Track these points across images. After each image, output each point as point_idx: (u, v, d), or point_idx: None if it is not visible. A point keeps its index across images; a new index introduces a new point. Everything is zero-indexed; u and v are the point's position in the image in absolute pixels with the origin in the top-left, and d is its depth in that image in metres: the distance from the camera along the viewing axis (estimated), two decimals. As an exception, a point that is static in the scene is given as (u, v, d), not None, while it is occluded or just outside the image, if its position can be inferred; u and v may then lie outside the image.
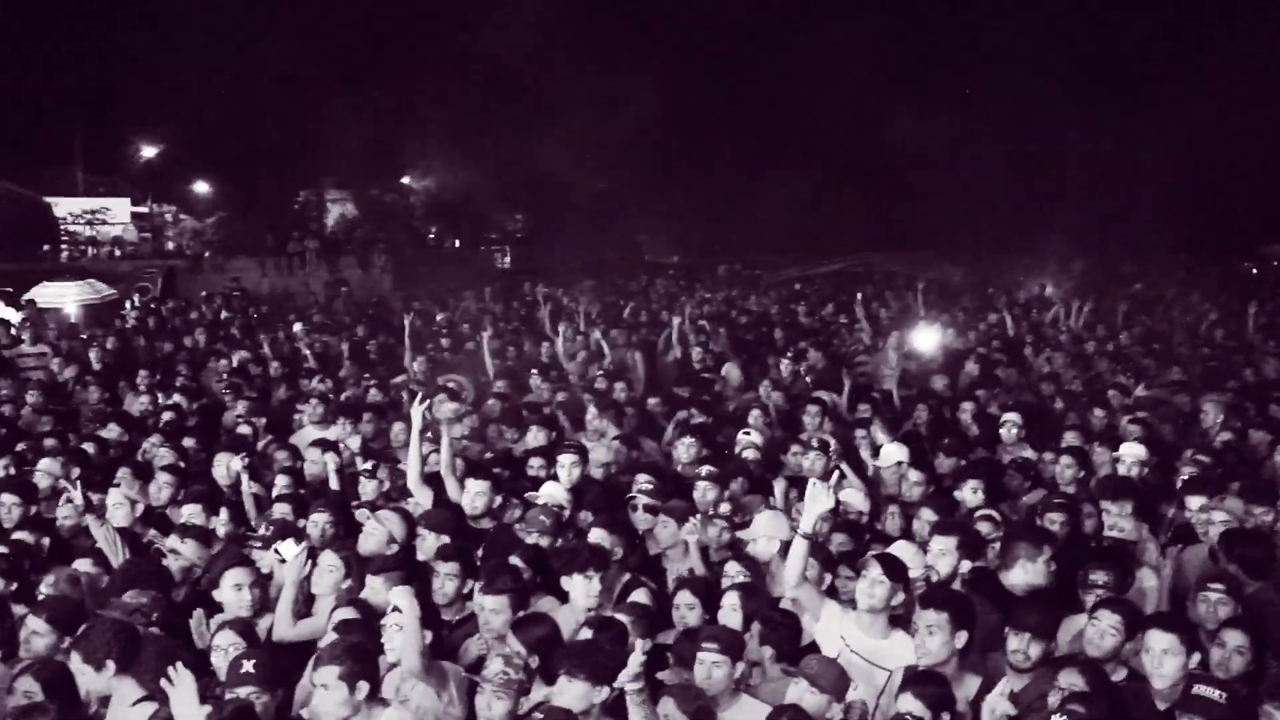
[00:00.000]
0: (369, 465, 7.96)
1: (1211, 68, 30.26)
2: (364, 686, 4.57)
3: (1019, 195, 30.26)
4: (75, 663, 4.82)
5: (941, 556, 5.89)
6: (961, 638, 5.08)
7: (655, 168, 32.72)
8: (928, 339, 13.86)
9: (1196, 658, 4.88)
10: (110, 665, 4.77)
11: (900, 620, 5.49)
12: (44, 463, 8.23)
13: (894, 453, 8.33)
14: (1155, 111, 28.75)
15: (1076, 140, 31.36)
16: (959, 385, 11.99)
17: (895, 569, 5.53)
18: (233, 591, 5.77)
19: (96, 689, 4.83)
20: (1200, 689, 4.44)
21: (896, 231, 31.57)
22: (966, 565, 5.92)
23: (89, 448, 8.89)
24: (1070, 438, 9.03)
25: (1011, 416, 9.42)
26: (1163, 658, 4.84)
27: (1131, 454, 8.11)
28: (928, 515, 6.91)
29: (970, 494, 7.43)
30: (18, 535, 6.83)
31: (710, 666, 4.89)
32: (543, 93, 33.45)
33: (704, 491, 7.34)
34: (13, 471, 8.31)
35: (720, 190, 31.93)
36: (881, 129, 32.55)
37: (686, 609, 5.67)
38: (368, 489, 7.66)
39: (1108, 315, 17.42)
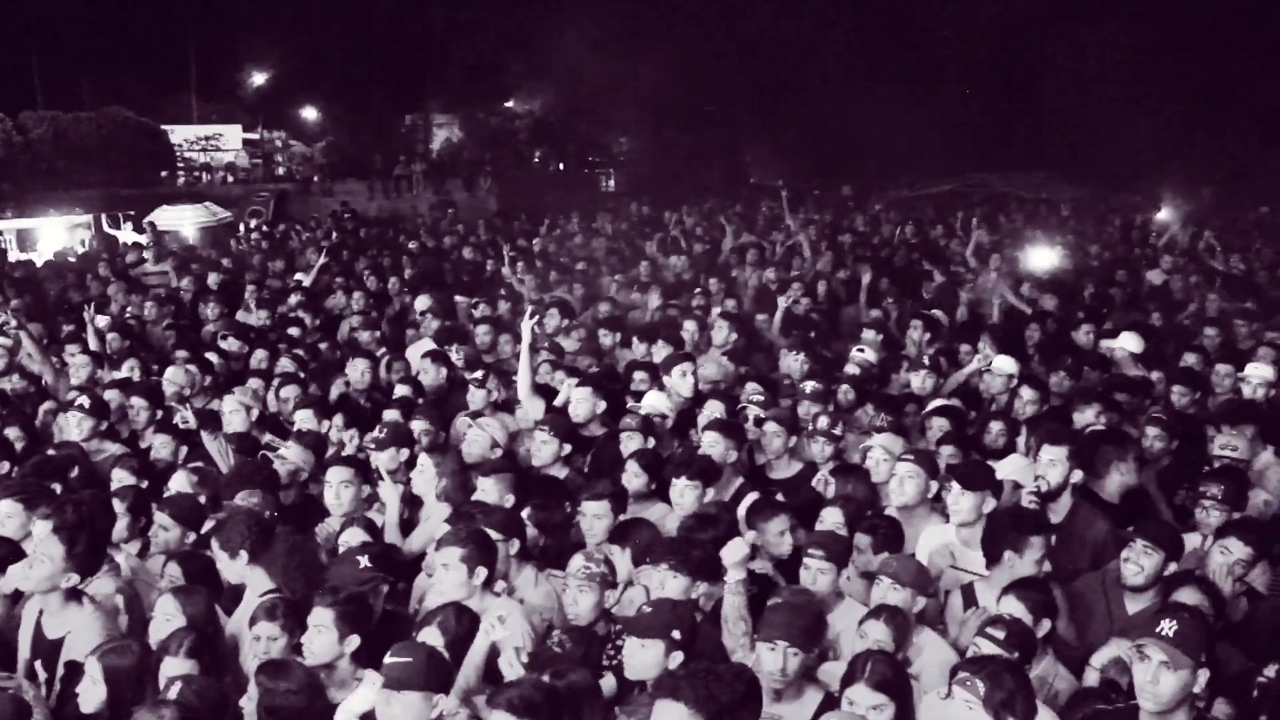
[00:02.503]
0: (478, 375, 8.09)
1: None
2: (482, 572, 4.73)
3: (1145, 119, 29.03)
4: (215, 549, 5.04)
5: (1052, 466, 5.79)
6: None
7: (762, 89, 32.15)
8: (1041, 258, 13.53)
9: None
10: (244, 555, 4.97)
11: None
12: (170, 371, 8.52)
13: (1005, 365, 8.18)
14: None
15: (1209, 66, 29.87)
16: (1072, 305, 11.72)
17: (976, 478, 5.53)
18: (336, 490, 5.95)
19: (232, 576, 5.05)
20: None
21: (1010, 152, 30.56)
22: (1078, 475, 5.83)
23: (211, 358, 9.22)
24: (1188, 359, 8.80)
25: (1126, 336, 9.19)
26: None
27: (1258, 375, 7.81)
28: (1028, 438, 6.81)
29: (1091, 416, 7.24)
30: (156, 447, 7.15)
31: (816, 573, 4.93)
32: (647, 14, 33.04)
33: (809, 406, 7.31)
34: (139, 377, 8.63)
35: (828, 112, 31.24)
36: (997, 47, 31.56)
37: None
38: (476, 398, 7.77)
39: (1234, 240, 16.77)
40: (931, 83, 32.21)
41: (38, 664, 4.67)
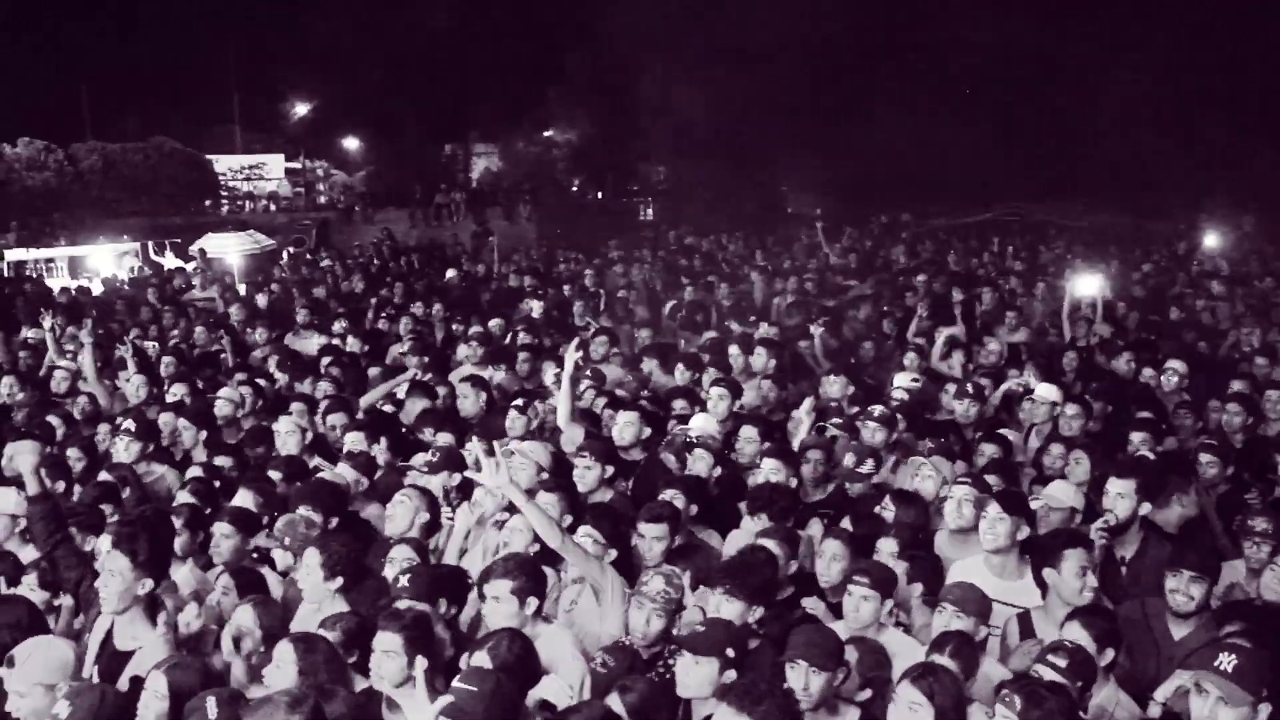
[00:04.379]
0: (519, 401, 8.14)
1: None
2: (533, 602, 4.74)
3: (1184, 147, 28.84)
4: (310, 560, 5.10)
5: (1120, 499, 5.70)
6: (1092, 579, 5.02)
7: (800, 119, 32.23)
8: (1086, 286, 13.45)
9: None
10: (339, 580, 5.07)
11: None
12: (224, 391, 8.66)
13: (1049, 393, 8.16)
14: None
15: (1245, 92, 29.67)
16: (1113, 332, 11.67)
17: (1014, 503, 5.49)
18: (399, 505, 5.98)
19: (315, 594, 5.11)
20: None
21: (1050, 181, 30.45)
22: (1147, 508, 5.77)
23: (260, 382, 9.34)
24: (1238, 386, 8.73)
25: (1174, 364, 9.13)
26: None
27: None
28: (1077, 455, 6.77)
29: (1139, 444, 7.20)
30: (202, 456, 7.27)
31: (859, 600, 4.90)
32: (685, 46, 33.25)
33: (873, 432, 7.31)
34: (188, 400, 8.77)
35: (864, 142, 31.30)
36: (1036, 76, 31.49)
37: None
38: (516, 425, 7.81)
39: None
40: (968, 112, 32.20)
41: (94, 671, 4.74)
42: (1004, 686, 3.85)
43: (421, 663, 4.34)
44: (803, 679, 4.19)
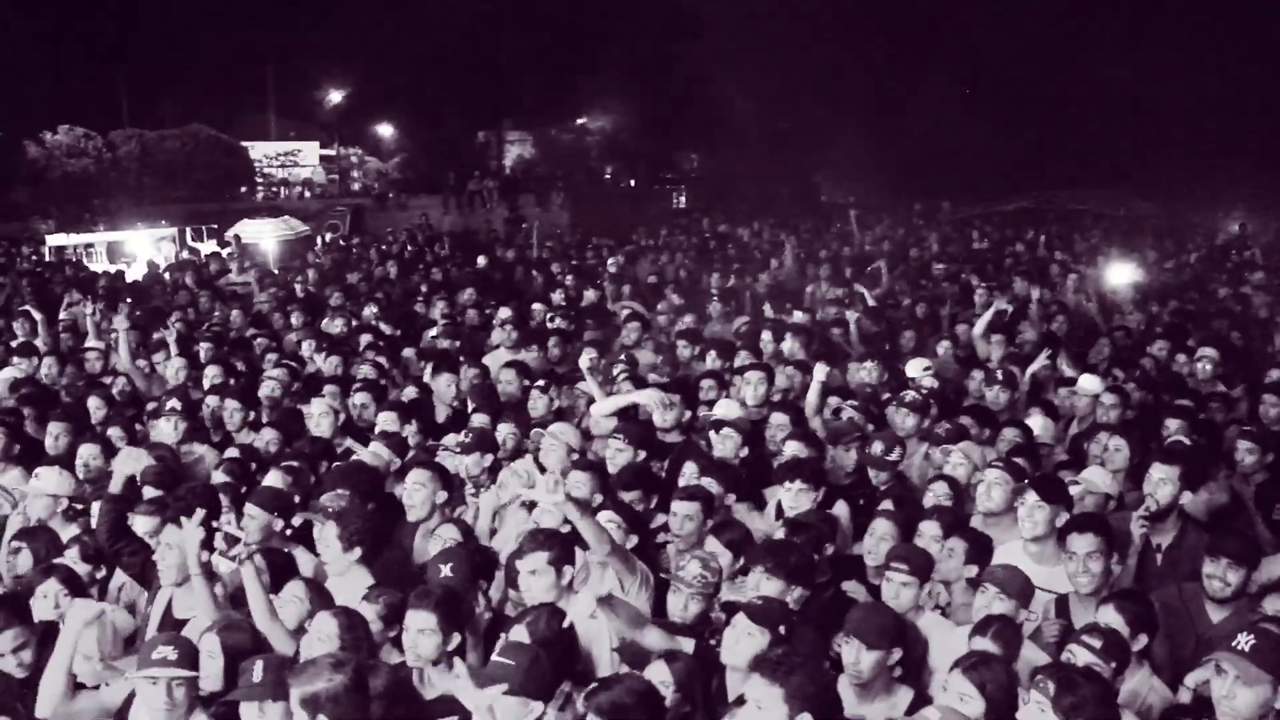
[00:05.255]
0: (542, 383, 8.17)
1: None
2: (569, 571, 4.80)
3: (1219, 135, 28.51)
4: (328, 532, 5.18)
5: (1162, 485, 5.68)
6: (1115, 561, 5.06)
7: (834, 107, 32.09)
8: (1120, 275, 13.37)
9: None
10: (357, 551, 5.14)
11: None
12: (274, 373, 8.76)
13: (1091, 385, 8.13)
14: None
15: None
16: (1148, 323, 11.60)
17: (1053, 491, 5.47)
18: (416, 490, 6.05)
19: (332, 569, 5.19)
20: None
21: (1084, 169, 30.15)
22: (1188, 497, 5.74)
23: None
24: (1275, 375, 8.64)
25: (1207, 352, 9.06)
26: None
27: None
28: (1117, 443, 6.73)
29: (1175, 432, 7.10)
30: (246, 437, 7.37)
31: (899, 586, 4.92)
32: (717, 34, 33.17)
33: (904, 418, 7.32)
34: (230, 382, 8.86)
35: (899, 130, 31.11)
36: (1075, 64, 31.18)
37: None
38: (539, 406, 7.85)
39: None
40: (1004, 99, 31.96)
41: None
42: (1039, 672, 3.85)
43: (456, 639, 4.41)
44: (854, 655, 4.24)
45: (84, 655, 4.54)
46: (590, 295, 13.30)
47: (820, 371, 7.57)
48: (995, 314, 10.08)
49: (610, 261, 16.96)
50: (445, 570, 4.87)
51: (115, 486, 5.81)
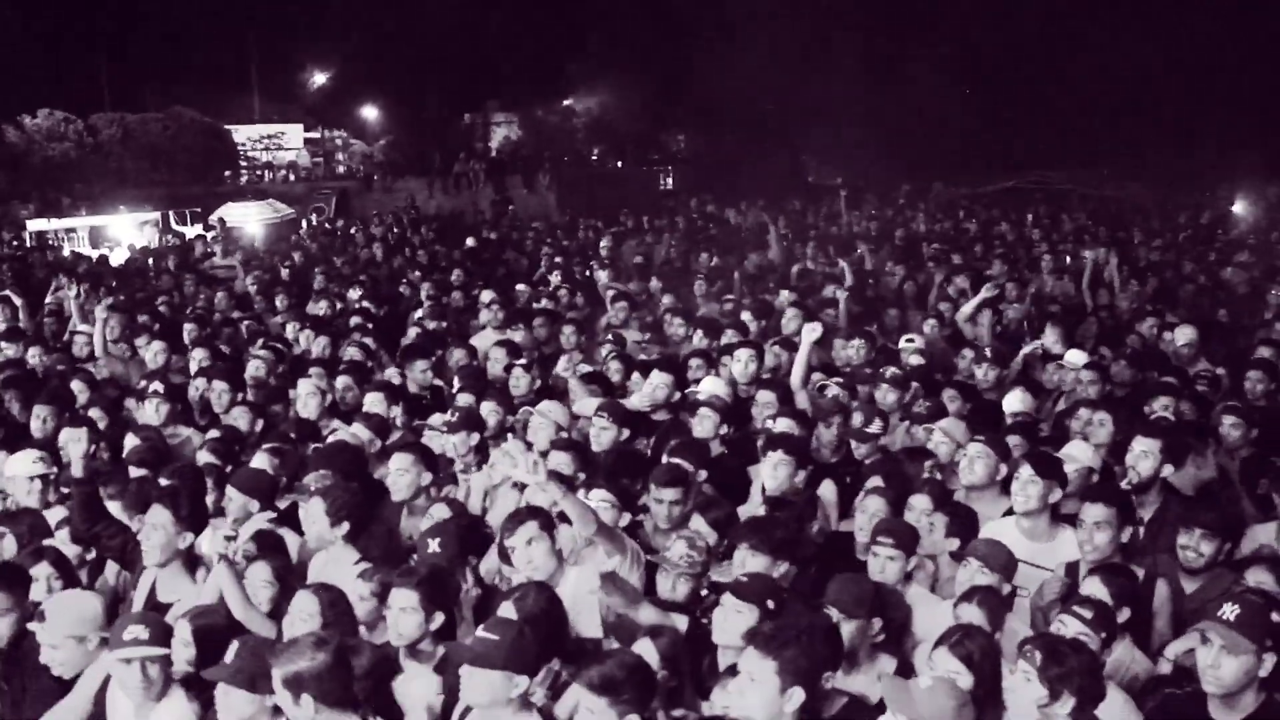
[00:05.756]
0: (523, 361, 8.14)
1: None
2: (560, 535, 4.83)
3: (1208, 115, 28.60)
4: (314, 508, 5.18)
5: (1144, 457, 5.71)
6: (1127, 533, 5.04)
7: (822, 87, 32.07)
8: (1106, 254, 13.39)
9: None
10: (345, 526, 5.14)
11: (1070, 519, 5.42)
12: (261, 353, 8.72)
13: (1076, 358, 8.18)
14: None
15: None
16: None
17: (1048, 467, 5.45)
18: (400, 475, 6.02)
19: (314, 542, 5.19)
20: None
21: (1071, 150, 30.19)
22: (1169, 470, 5.77)
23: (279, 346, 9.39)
24: (1262, 352, 8.67)
25: (1185, 330, 9.09)
26: None
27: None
28: (1101, 417, 6.75)
29: (1160, 410, 7.17)
30: (233, 417, 7.33)
31: (885, 561, 4.93)
32: (705, 14, 33.07)
33: (885, 394, 7.35)
34: (212, 364, 8.81)
35: (887, 110, 31.09)
36: (1058, 43, 31.22)
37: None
38: (520, 384, 7.83)
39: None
40: (992, 80, 31.99)
41: None
42: (1027, 643, 3.86)
43: (439, 618, 4.41)
44: None
45: (50, 646, 4.49)
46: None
47: (810, 331, 7.49)
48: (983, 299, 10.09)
49: (602, 245, 16.96)
50: (433, 545, 4.86)
51: (76, 470, 5.73)
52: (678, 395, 7.34)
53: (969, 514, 5.47)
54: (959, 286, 11.81)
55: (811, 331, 7.44)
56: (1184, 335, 8.95)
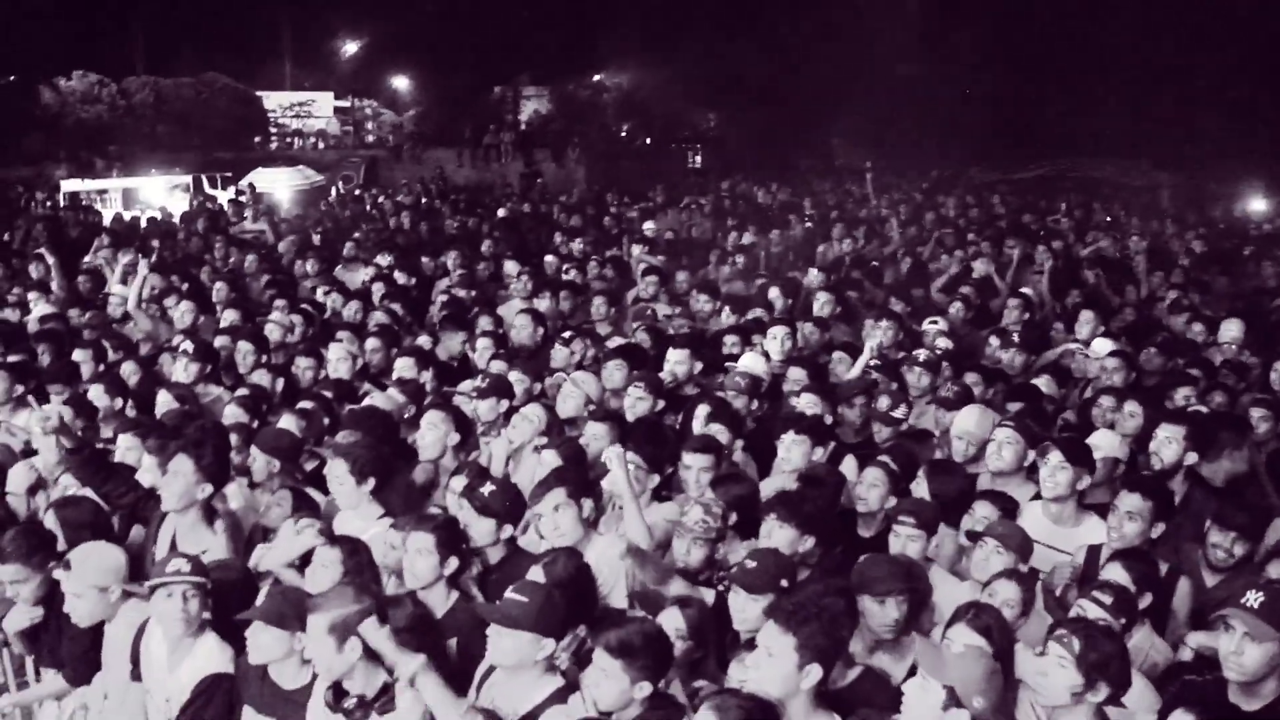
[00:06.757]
0: (565, 334, 8.18)
1: None
2: (587, 504, 4.87)
3: (1243, 106, 28.17)
4: (338, 468, 5.24)
5: (1167, 444, 5.72)
6: (1159, 529, 5.02)
7: (850, 70, 31.83)
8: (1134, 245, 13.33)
9: None
10: (370, 481, 5.20)
11: (1094, 508, 5.43)
12: (275, 316, 8.86)
13: (1102, 347, 8.13)
14: None
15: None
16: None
17: (1077, 453, 5.44)
18: (429, 430, 6.10)
19: (343, 502, 5.25)
20: None
21: (1104, 138, 29.85)
22: (1193, 457, 5.76)
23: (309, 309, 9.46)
24: (1292, 344, 8.61)
25: (1230, 324, 9.00)
26: None
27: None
28: (1132, 408, 6.72)
29: (1181, 399, 7.14)
30: (256, 378, 7.40)
31: (905, 540, 4.92)
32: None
33: (919, 376, 7.33)
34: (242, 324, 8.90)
35: (915, 94, 30.83)
36: (1094, 29, 30.86)
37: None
38: (560, 357, 7.89)
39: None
40: (1023, 66, 31.64)
41: None
42: (1060, 627, 3.85)
43: (452, 563, 4.50)
44: (893, 612, 4.22)
45: (73, 594, 4.54)
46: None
47: (815, 277, 7.46)
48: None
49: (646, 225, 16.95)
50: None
51: (65, 442, 5.64)
52: (699, 367, 7.37)
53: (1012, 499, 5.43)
54: (981, 271, 11.76)
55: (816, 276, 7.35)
56: (1230, 331, 8.82)
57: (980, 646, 3.76)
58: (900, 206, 18.13)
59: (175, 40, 38.49)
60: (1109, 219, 18.97)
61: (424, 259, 12.43)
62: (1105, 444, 6.06)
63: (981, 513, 5.14)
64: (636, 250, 12.08)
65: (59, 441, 5.49)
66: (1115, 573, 4.53)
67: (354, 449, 5.33)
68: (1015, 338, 8.45)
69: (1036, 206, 20.33)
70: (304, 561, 4.71)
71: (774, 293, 9.77)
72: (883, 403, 6.67)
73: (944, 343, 8.47)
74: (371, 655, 3.87)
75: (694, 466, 5.56)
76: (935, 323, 9.01)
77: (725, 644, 4.43)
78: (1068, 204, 20.43)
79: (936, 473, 5.70)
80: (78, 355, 7.93)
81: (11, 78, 31.73)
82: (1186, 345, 9.00)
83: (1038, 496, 5.55)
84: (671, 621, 4.15)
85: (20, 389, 7.31)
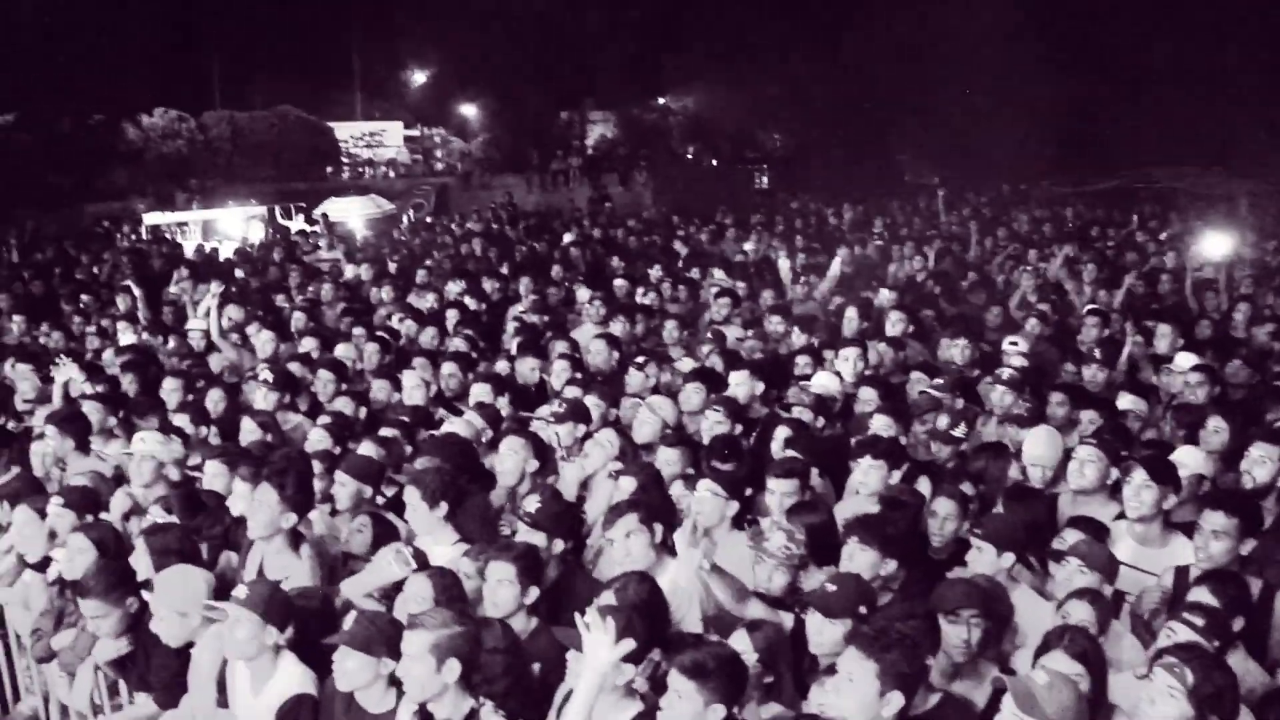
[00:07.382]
0: (640, 359, 8.22)
1: None
2: (659, 529, 4.88)
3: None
4: (411, 497, 5.31)
5: (1262, 464, 5.58)
6: (1248, 546, 4.88)
7: (918, 86, 31.59)
8: (1211, 250, 12.98)
9: None
10: (443, 506, 5.25)
11: (1180, 527, 5.30)
12: (340, 348, 9.01)
13: (1185, 362, 7.93)
14: None
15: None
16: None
17: (1162, 472, 5.31)
18: (509, 455, 6.13)
19: (419, 527, 5.32)
20: None
21: (1178, 148, 29.24)
22: None
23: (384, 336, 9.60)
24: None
25: None
26: None
27: None
28: (1217, 424, 6.56)
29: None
30: (338, 405, 7.54)
31: (976, 554, 4.85)
32: (801, 13, 32.82)
33: (1001, 396, 7.24)
34: (320, 354, 9.07)
35: (987, 108, 30.49)
36: (1165, 38, 30.32)
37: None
38: (635, 381, 7.90)
39: None
40: (1095, 76, 31.17)
41: None
42: (1170, 654, 3.72)
43: (533, 592, 4.54)
44: (964, 631, 4.19)
45: (157, 616, 4.67)
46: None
47: (887, 297, 7.39)
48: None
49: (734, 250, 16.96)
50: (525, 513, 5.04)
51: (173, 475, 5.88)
52: (760, 389, 7.37)
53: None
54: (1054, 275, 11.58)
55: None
56: None
57: (1074, 675, 3.68)
58: (971, 223, 17.92)
59: (250, 75, 39.49)
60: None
61: (493, 284, 12.57)
62: (1191, 461, 5.91)
63: (1071, 539, 5.03)
64: (718, 274, 12.09)
65: (155, 471, 5.66)
66: (1202, 595, 4.39)
67: (425, 475, 5.40)
68: (1096, 353, 8.31)
69: (1110, 219, 19.98)
70: (385, 590, 4.78)
71: (850, 313, 9.71)
72: (942, 421, 6.60)
73: (1020, 360, 8.37)
74: (465, 681, 3.91)
75: (778, 491, 5.54)
76: (1015, 344, 8.88)
77: (803, 669, 4.40)
78: (1140, 215, 20.06)
79: (1014, 499, 5.62)
80: (167, 384, 8.15)
81: (98, 116, 32.73)
82: (1271, 358, 8.80)
83: (1121, 515, 5.43)
84: (740, 644, 4.14)
85: (113, 421, 7.50)
